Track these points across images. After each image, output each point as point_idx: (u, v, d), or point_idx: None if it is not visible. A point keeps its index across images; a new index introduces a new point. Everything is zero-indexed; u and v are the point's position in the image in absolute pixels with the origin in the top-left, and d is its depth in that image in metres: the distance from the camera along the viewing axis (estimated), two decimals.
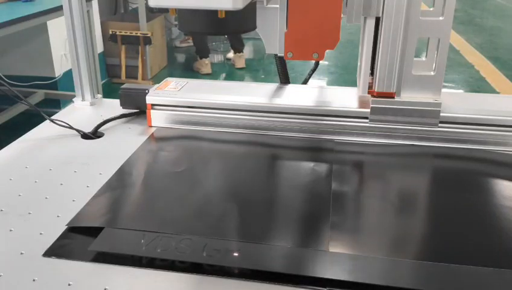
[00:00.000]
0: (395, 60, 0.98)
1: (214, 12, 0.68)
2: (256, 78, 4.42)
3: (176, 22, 0.89)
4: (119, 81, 4.08)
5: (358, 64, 1.07)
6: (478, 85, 4.11)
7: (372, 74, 1.03)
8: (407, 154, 1.00)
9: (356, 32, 1.07)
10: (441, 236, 0.73)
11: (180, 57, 5.12)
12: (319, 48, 0.88)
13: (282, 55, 0.95)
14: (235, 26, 0.74)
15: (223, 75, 4.59)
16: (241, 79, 4.38)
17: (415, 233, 0.76)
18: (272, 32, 0.93)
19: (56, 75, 3.50)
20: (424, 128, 1.01)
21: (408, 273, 0.65)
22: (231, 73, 4.59)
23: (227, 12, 0.71)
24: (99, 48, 4.07)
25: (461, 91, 4.00)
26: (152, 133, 1.09)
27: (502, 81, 4.15)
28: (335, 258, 0.67)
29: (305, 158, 1.00)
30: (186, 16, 0.73)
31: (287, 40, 0.91)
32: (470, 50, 5.05)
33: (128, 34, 4.03)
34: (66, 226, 0.74)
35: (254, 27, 0.82)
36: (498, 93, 3.86)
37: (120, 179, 0.88)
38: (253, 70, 4.60)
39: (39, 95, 3.37)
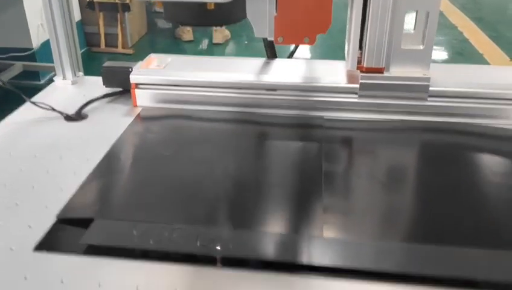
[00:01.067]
0: (384, 34, 0.96)
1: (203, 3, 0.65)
2: (240, 44, 4.34)
3: None
4: (99, 50, 3.98)
5: (347, 37, 1.04)
6: (462, 47, 4.10)
7: (360, 47, 1.01)
8: (397, 130, 1.00)
9: None
10: (434, 216, 0.73)
11: (161, 23, 4.99)
12: (310, 32, 0.86)
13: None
14: (225, 17, 0.71)
15: (205, 41, 4.50)
16: (224, 46, 4.30)
17: (409, 214, 0.76)
18: (261, 16, 0.90)
19: (33, 46, 3.39)
20: (413, 103, 1.00)
21: (404, 258, 0.65)
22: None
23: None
24: (77, 16, 3.94)
25: (445, 54, 4.00)
26: (138, 114, 1.07)
27: (485, 43, 4.15)
28: (330, 244, 0.67)
29: (294, 136, 0.99)
30: (174, 7, 0.69)
31: (276, 25, 0.88)
32: (454, 11, 5.02)
33: (105, 0, 3.90)
34: (56, 218, 0.73)
35: (244, 16, 0.79)
36: (481, 54, 3.87)
37: (108, 165, 0.86)
38: (237, 36, 4.51)
39: (17, 67, 3.27)
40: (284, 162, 0.88)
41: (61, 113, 1.06)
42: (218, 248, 0.66)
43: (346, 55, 1.05)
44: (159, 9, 5.13)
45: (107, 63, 1.15)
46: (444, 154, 0.91)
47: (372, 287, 0.61)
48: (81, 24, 4.05)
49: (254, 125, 1.02)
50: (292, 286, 0.62)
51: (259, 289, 0.62)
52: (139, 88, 1.09)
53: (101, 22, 3.99)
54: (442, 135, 0.99)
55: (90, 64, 3.03)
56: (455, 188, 0.80)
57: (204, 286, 0.62)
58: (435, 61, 1.00)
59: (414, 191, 0.82)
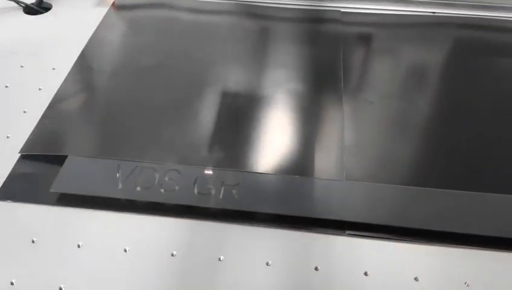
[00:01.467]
0: None
1: None
2: None
3: None
4: None
5: None
6: None
7: None
8: (429, 25, 0.83)
9: None
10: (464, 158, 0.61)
11: None
12: None
13: None
14: None
15: None
16: None
17: (440, 149, 0.62)
18: None
19: None
20: None
21: (436, 210, 0.54)
22: None
23: None
24: None
25: None
26: (113, 3, 0.88)
27: None
28: (353, 191, 0.55)
29: (305, 34, 0.81)
30: None
31: None
32: None
33: None
34: (19, 154, 0.59)
35: None
36: None
37: (79, 80, 0.70)
38: None
39: None
40: (294, 73, 0.72)
41: (18, 3, 0.86)
42: (222, 197, 0.54)
43: None
44: None
45: None
46: (483, 58, 0.76)
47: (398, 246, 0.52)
48: None
49: (256, 20, 0.84)
50: (312, 241, 0.52)
51: (265, 245, 0.51)
52: None
53: None
54: (483, 32, 0.82)
55: None
56: (493, 106, 0.67)
57: (207, 246, 0.51)
58: None
59: (450, 114, 0.67)
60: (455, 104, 0.68)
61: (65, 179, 0.56)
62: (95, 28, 0.80)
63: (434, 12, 0.85)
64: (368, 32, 0.82)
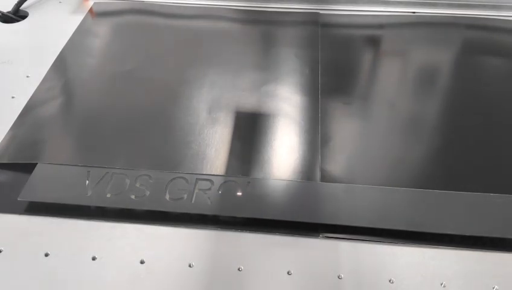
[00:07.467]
0: None
1: None
2: None
3: None
4: None
5: None
6: None
7: None
8: (412, 25, 0.83)
9: None
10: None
11: None
12: None
13: None
14: None
15: None
16: None
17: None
18: None
19: None
20: None
21: (410, 212, 0.53)
22: None
23: None
24: None
25: None
26: (90, 9, 0.87)
27: None
28: (328, 192, 0.54)
29: (283, 37, 0.80)
30: None
31: None
32: None
33: None
34: None
35: None
36: None
37: (52, 87, 0.69)
38: None
39: None
40: (271, 75, 0.71)
41: None
42: (193, 202, 0.53)
43: None
44: None
45: None
46: (465, 57, 0.75)
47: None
48: None
49: (233, 24, 0.83)
50: (284, 245, 0.50)
51: (236, 250, 0.50)
52: None
53: None
54: (466, 31, 0.81)
55: None
56: (470, 105, 0.66)
57: (178, 252, 0.50)
58: None
59: (426, 114, 0.66)
60: (432, 104, 0.67)
61: (33, 187, 0.54)
62: (70, 35, 0.80)
63: (414, 12, 0.84)
64: (347, 34, 0.81)
